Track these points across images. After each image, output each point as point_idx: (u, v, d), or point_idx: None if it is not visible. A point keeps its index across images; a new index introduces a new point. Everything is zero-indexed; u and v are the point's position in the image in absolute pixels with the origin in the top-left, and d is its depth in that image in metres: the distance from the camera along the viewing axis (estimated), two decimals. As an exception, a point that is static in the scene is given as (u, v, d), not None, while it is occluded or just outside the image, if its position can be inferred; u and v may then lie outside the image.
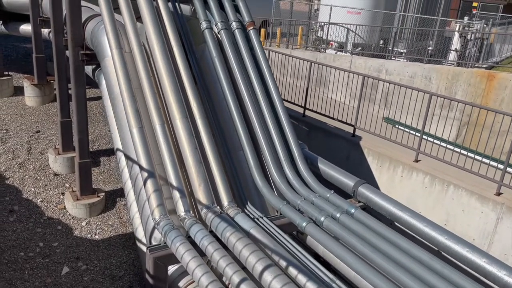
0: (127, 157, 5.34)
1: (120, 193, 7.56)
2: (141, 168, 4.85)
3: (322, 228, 4.86)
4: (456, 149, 7.58)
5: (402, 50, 18.29)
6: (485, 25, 17.15)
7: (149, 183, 4.71)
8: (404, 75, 16.98)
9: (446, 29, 19.74)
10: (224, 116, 5.97)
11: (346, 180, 5.75)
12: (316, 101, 10.23)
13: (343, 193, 5.97)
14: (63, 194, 7.26)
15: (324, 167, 6.05)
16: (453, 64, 17.40)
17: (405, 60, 18.36)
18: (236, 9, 6.60)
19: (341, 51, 18.40)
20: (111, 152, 8.65)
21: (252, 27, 6.53)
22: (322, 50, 18.41)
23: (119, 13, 5.76)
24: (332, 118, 9.27)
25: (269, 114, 5.99)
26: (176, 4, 6.29)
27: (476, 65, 16.12)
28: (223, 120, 5.94)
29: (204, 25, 6.19)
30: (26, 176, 7.56)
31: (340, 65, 15.79)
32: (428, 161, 7.65)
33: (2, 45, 14.26)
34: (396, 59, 18.36)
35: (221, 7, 6.53)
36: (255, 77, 6.16)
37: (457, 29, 17.53)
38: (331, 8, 18.53)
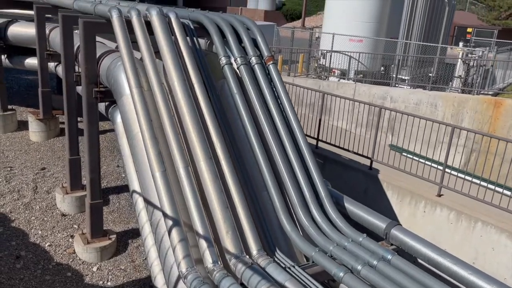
0: (148, 202, 5.02)
1: (131, 234, 7.20)
2: (165, 215, 4.54)
3: (360, 278, 4.53)
4: (482, 183, 7.32)
5: (405, 77, 18.29)
6: (490, 52, 17.22)
7: (175, 232, 4.38)
8: (409, 102, 16.90)
9: (451, 57, 19.82)
10: (246, 154, 5.69)
11: (377, 222, 5.45)
12: (327, 131, 10.00)
13: (368, 232, 5.66)
14: (72, 237, 6.89)
15: (352, 207, 5.76)
16: (457, 90, 17.39)
17: (409, 87, 18.36)
18: (254, 43, 6.42)
19: (344, 79, 18.37)
20: (120, 189, 8.32)
21: (271, 62, 6.33)
22: (324, 77, 18.38)
23: (135, 47, 5.56)
24: (347, 150, 9.02)
25: (293, 151, 5.72)
26: (194, 38, 6.11)
27: (482, 92, 16.07)
28: (245, 158, 5.66)
29: (223, 60, 5.98)
30: (33, 218, 7.20)
31: (344, 92, 15.71)
32: (452, 195, 7.37)
33: (4, 77, 14.03)
34: (399, 86, 18.35)
35: (239, 41, 6.35)
36: (277, 113, 5.92)
37: (460, 56, 17.59)
38: (333, 36, 18.61)
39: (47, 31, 9.02)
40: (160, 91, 5.12)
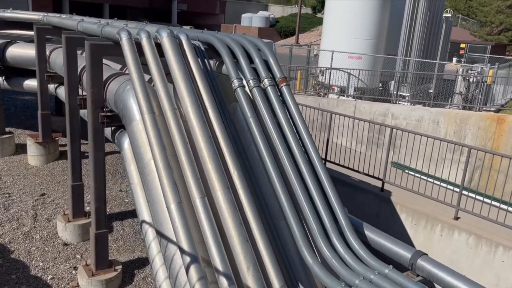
0: (161, 235, 4.72)
1: (137, 263, 6.85)
2: (181, 249, 4.24)
3: (390, 314, 4.25)
4: (501, 205, 7.10)
5: (405, 94, 18.23)
6: (490, 68, 17.23)
7: (193, 270, 4.08)
8: (411, 119, 16.80)
9: (451, 73, 19.85)
10: (261, 181, 5.43)
11: (402, 252, 5.18)
12: (331, 150, 9.72)
13: (386, 259, 5.39)
14: (75, 268, 6.53)
15: (373, 235, 5.49)
16: (458, 107, 17.33)
17: (409, 104, 18.28)
18: (266, 64, 6.22)
19: (343, 95, 18.29)
20: (123, 215, 7.99)
21: (284, 84, 6.12)
22: (324, 94, 18.28)
23: (144, 69, 5.32)
24: (357, 171, 8.79)
25: (310, 177, 5.46)
26: (205, 60, 5.89)
27: (484, 108, 16.01)
28: (261, 185, 5.40)
29: (236, 83, 5.75)
30: (33, 248, 6.83)
31: (344, 110, 15.58)
32: (470, 219, 7.14)
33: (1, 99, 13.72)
34: (399, 102, 18.27)
35: (250, 62, 6.15)
36: (292, 138, 5.68)
37: (460, 72, 17.57)
38: (332, 53, 18.57)
39: (47, 52, 8.77)
40: (174, 117, 4.86)
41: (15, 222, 7.32)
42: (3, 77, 9.65)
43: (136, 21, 8.37)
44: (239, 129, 5.73)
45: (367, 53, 19.03)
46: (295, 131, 5.81)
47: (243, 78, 5.91)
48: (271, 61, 6.22)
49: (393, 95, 18.34)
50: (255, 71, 6.10)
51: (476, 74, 18.18)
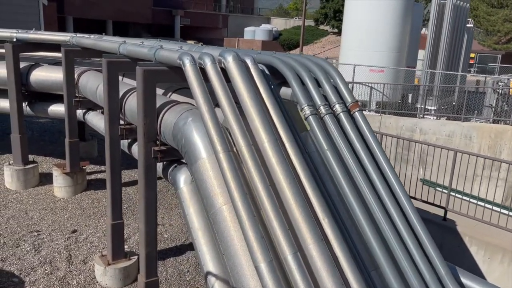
0: (244, 297, 4.00)
1: (188, 312, 6.11)
2: (276, 319, 3.53)
3: None
4: None
5: (431, 107, 17.60)
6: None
7: None
8: (441, 134, 16.14)
9: (479, 86, 19.27)
10: (346, 224, 4.73)
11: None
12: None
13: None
14: (121, 321, 5.79)
15: (474, 284, 4.78)
16: (489, 120, 16.70)
17: (435, 118, 17.65)
18: (335, 88, 5.57)
19: (364, 110, 17.64)
20: (164, 254, 7.25)
21: (357, 109, 5.45)
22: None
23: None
24: (414, 198, 8.09)
25: (399, 218, 4.77)
26: (273, 86, 5.23)
27: (516, 122, 15.33)
28: (347, 230, 4.70)
29: (307, 110, 5.08)
30: (71, 297, 6.10)
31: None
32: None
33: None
34: (426, 116, 17.64)
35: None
36: (375, 172, 5.00)
37: (490, 84, 16.99)
38: (354, 67, 17.98)
39: (75, 76, 8.13)
40: (252, 156, 4.17)
41: (48, 266, 6.58)
42: (26, 103, 8.98)
43: (156, 38, 7.74)
44: (315, 163, 5.04)
45: (388, 65, 18.49)
46: (376, 163, 5.13)
47: (314, 105, 5.25)
48: (340, 84, 5.56)
49: (419, 109, 17.74)
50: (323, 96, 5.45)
51: (503, 85, 17.62)
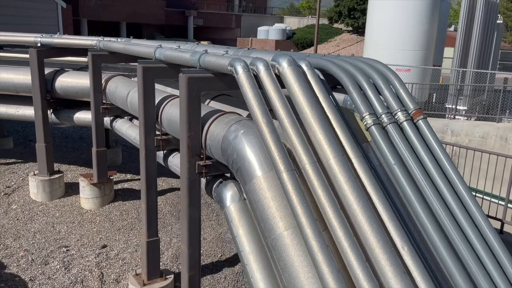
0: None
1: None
2: None
3: None
4: None
5: (462, 107, 16.92)
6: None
7: None
8: (474, 135, 15.45)
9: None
10: (422, 251, 4.22)
11: None
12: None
13: None
14: None
15: None
16: (523, 121, 15.95)
17: (465, 118, 16.97)
18: (395, 94, 5.05)
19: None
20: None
21: (421, 116, 4.93)
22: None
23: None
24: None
25: (479, 242, 4.26)
26: (330, 96, 4.73)
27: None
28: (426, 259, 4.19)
29: (369, 120, 4.58)
30: (106, 321, 5.67)
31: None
32: None
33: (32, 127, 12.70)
34: (456, 117, 16.97)
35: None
36: (447, 189, 4.48)
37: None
38: (382, 67, 17.31)
39: (102, 82, 7.72)
40: (317, 175, 3.67)
41: (79, 286, 6.18)
42: (51, 110, 8.61)
43: (171, 40, 7.29)
44: (381, 180, 4.53)
45: (415, 64, 17.85)
46: (446, 178, 4.60)
47: (375, 113, 4.74)
48: (400, 89, 5.04)
49: (448, 109, 17.07)
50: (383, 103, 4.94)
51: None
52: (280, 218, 3.88)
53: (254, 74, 4.21)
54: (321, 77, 4.82)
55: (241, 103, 5.67)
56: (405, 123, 4.80)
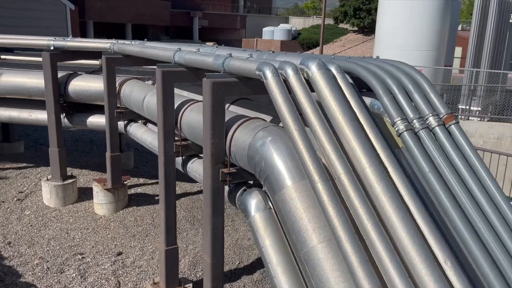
0: None
1: None
2: None
3: None
4: None
5: (475, 108, 16.66)
6: None
7: None
8: (488, 137, 15.19)
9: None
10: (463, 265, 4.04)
11: None
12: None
13: None
14: None
15: None
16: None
17: (479, 119, 16.71)
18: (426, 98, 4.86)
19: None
20: (220, 279, 6.62)
21: (453, 121, 4.74)
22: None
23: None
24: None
25: (517, 253, 4.07)
26: (362, 101, 4.55)
27: None
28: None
29: (401, 125, 4.39)
30: (125, 333, 5.52)
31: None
32: None
33: (42, 131, 12.56)
34: (469, 118, 16.72)
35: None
36: (482, 195, 4.29)
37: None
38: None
39: (116, 85, 7.57)
40: (353, 185, 3.49)
41: (96, 295, 6.03)
42: (64, 114, 8.47)
43: (182, 41, 7.13)
44: (415, 188, 4.35)
45: (427, 65, 17.62)
46: (484, 190, 4.41)
47: (407, 119, 4.55)
48: (430, 93, 4.84)
49: (460, 110, 16.82)
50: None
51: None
52: (313, 230, 3.71)
53: (283, 79, 4.04)
54: (350, 81, 4.65)
55: (263, 107, 5.51)
56: (437, 128, 4.60)
